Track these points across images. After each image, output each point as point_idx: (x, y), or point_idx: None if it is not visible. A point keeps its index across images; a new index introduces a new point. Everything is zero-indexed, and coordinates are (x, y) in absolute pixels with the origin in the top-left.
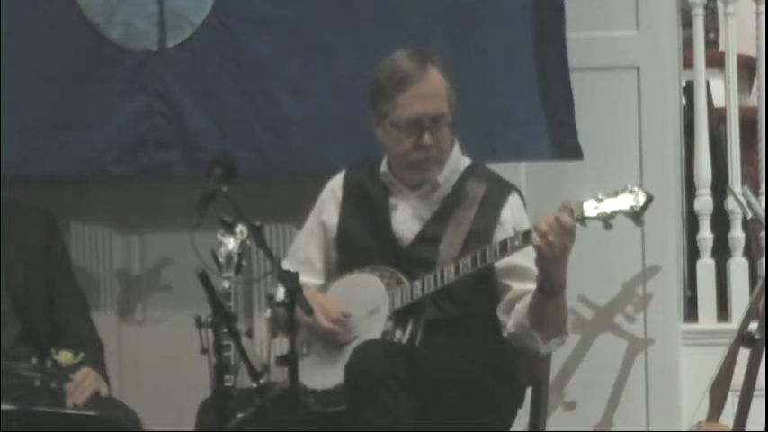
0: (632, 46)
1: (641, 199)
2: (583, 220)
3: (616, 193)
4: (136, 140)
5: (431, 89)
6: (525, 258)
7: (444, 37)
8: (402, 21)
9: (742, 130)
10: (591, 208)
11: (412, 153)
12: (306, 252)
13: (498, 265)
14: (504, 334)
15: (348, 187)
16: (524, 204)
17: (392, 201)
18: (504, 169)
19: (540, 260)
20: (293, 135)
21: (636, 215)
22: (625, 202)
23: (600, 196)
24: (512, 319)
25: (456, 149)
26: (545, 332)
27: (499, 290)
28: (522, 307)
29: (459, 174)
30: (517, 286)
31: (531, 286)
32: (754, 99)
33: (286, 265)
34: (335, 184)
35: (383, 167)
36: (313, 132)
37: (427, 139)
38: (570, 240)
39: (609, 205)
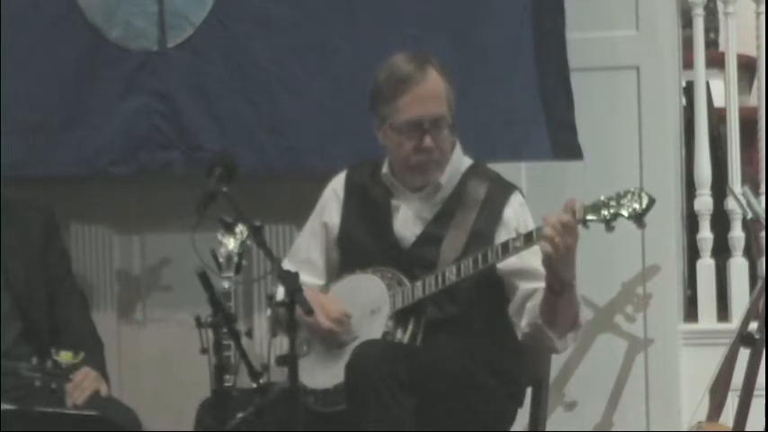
0: (632, 46)
1: (644, 202)
2: (585, 222)
3: (618, 196)
4: (136, 140)
5: (430, 91)
6: (532, 257)
7: (444, 37)
8: (402, 21)
9: (742, 130)
10: (593, 210)
11: (413, 156)
12: (307, 252)
13: (504, 265)
14: (519, 335)
15: (350, 188)
16: None
17: (394, 202)
18: (504, 169)
19: (547, 261)
20: (293, 135)
21: (638, 218)
22: (627, 204)
23: (602, 199)
24: (524, 319)
25: (457, 150)
26: (559, 329)
27: (507, 290)
28: (533, 306)
29: (460, 174)
30: (523, 285)
31: (537, 284)
32: (754, 99)
33: (287, 264)
34: (337, 185)
35: (385, 169)
36: (313, 132)
37: (428, 141)
38: (573, 239)
39: (611, 208)
